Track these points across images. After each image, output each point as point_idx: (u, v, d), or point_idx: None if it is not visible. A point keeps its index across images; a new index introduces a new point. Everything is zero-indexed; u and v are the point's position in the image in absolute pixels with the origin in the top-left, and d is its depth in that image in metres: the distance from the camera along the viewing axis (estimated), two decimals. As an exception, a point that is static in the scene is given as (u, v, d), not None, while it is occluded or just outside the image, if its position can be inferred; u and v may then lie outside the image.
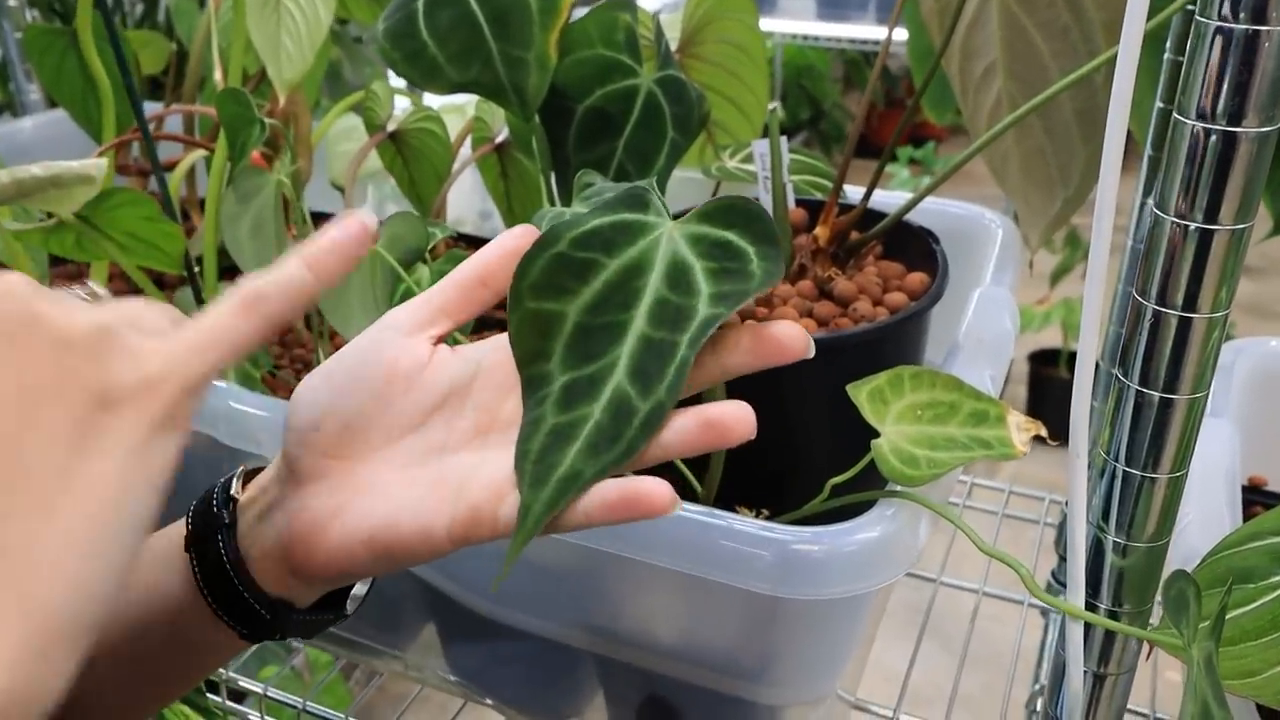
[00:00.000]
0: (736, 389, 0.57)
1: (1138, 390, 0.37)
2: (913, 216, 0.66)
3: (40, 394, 0.27)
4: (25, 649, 0.25)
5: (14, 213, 0.64)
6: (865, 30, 2.70)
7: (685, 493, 0.62)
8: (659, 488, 0.36)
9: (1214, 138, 0.33)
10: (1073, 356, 2.31)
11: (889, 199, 0.74)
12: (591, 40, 0.61)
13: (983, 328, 0.61)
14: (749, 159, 0.79)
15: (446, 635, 0.65)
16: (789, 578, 0.46)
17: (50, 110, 1.07)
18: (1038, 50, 0.62)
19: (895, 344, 0.59)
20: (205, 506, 0.41)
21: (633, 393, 0.38)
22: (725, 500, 0.60)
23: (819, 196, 0.74)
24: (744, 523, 0.47)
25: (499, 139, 0.77)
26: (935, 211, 0.76)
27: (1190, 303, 0.35)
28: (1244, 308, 2.74)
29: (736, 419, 0.38)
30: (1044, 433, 0.48)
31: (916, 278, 0.63)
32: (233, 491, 0.42)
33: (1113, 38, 0.58)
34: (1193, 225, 0.34)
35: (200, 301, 0.73)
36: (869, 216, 0.66)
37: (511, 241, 0.41)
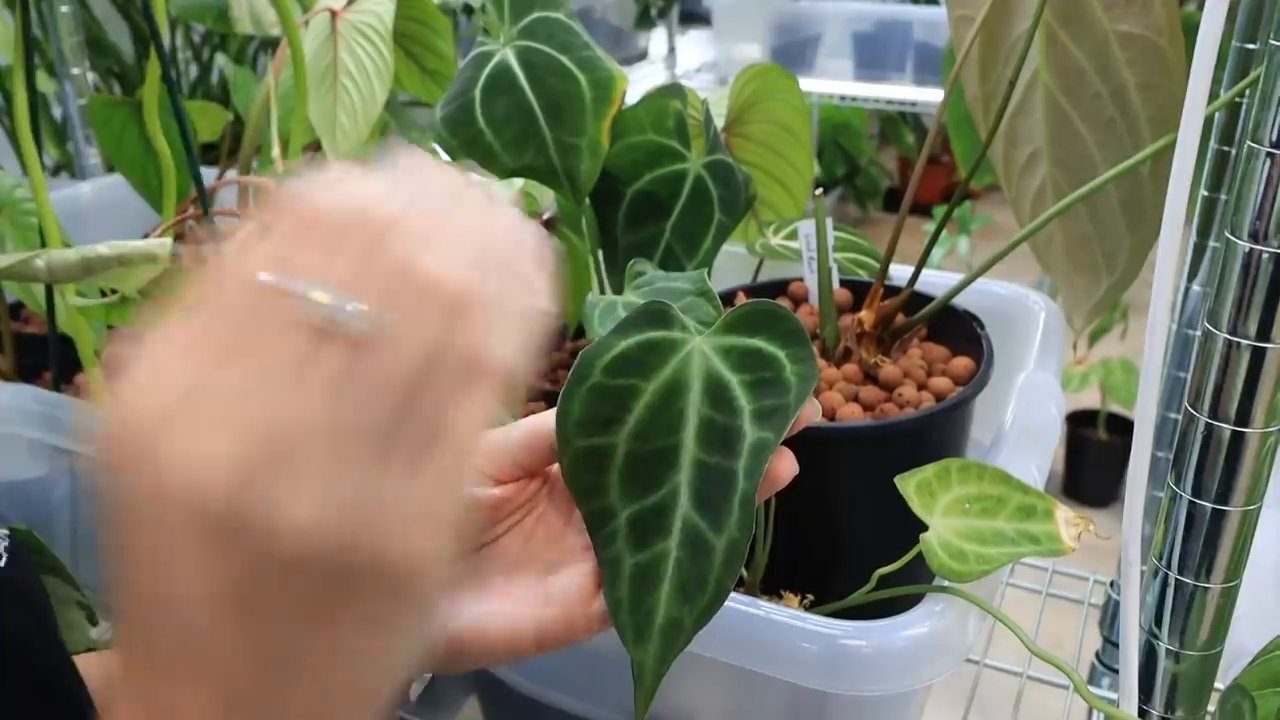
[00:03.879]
0: (796, 479, 0.58)
1: (1190, 501, 0.37)
2: (958, 297, 0.67)
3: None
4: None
5: (78, 288, 0.66)
6: (902, 91, 2.72)
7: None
8: None
9: (1265, 258, 0.33)
10: (1111, 418, 2.29)
11: (933, 279, 0.75)
12: (643, 126, 0.63)
13: (1029, 416, 0.61)
14: (792, 235, 0.80)
15: (489, 712, 0.65)
16: (837, 672, 0.46)
17: (108, 175, 1.10)
18: (1083, 140, 0.63)
19: (941, 431, 0.59)
20: None
21: (703, 525, 0.38)
22: (770, 585, 0.60)
23: (863, 276, 0.74)
24: (792, 615, 0.47)
25: (546, 215, 0.79)
26: (979, 291, 0.76)
27: (1243, 418, 0.35)
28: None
29: (780, 463, 0.39)
30: (1093, 529, 0.48)
31: (961, 362, 0.63)
32: None
33: (1157, 130, 0.59)
34: (1245, 343, 0.34)
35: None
36: (913, 298, 0.67)
37: None
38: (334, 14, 0.81)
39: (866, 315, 0.64)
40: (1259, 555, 0.61)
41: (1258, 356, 0.35)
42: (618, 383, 0.40)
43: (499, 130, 0.58)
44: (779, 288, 0.72)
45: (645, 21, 2.40)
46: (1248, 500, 0.37)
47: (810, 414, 0.39)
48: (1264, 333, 0.34)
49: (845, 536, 0.59)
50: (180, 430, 0.24)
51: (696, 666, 0.52)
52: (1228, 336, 0.35)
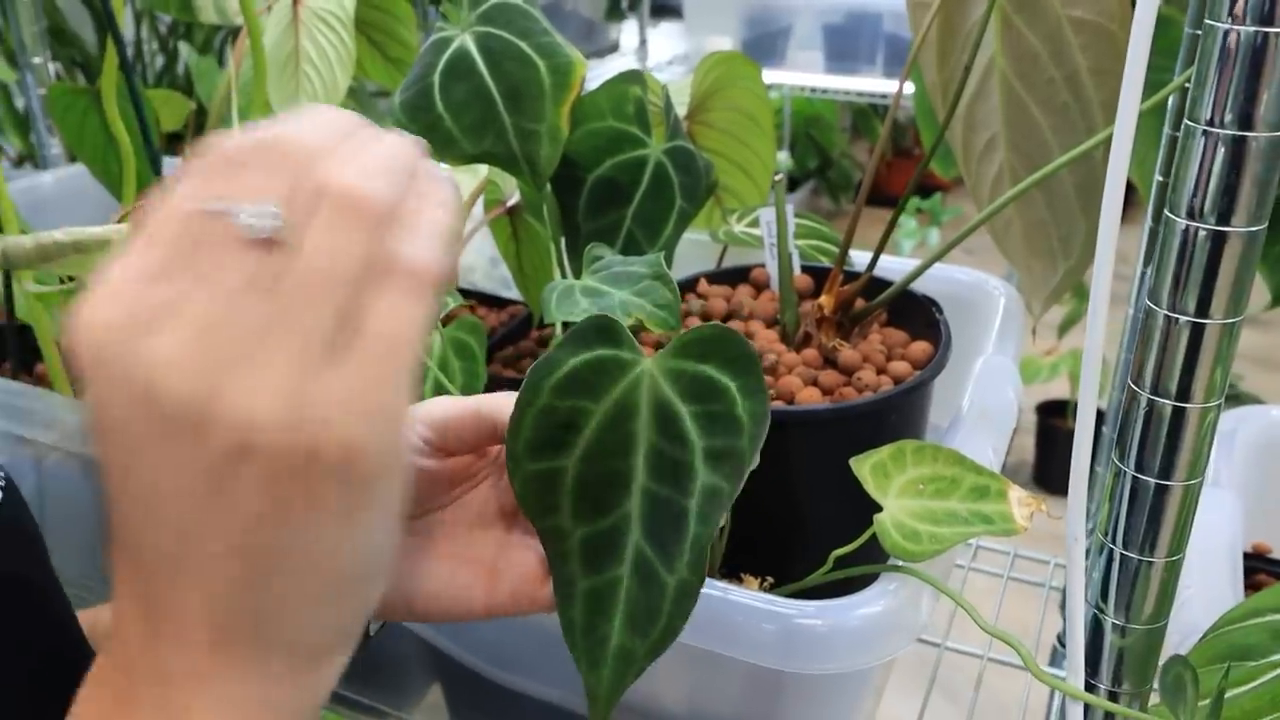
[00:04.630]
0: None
1: (1134, 476, 0.38)
2: (919, 282, 0.67)
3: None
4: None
5: (36, 275, 0.66)
6: (872, 83, 2.73)
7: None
8: None
9: (1202, 234, 0.34)
10: (1080, 408, 2.31)
11: (894, 265, 0.75)
12: (602, 112, 0.63)
13: (985, 399, 0.61)
14: (755, 223, 0.80)
15: (452, 698, 0.65)
16: (792, 652, 0.46)
17: (71, 165, 1.09)
18: (1038, 126, 0.63)
19: (899, 413, 0.60)
20: None
21: (655, 558, 0.39)
22: (729, 567, 0.61)
23: (825, 263, 0.75)
24: (748, 595, 0.48)
25: (510, 202, 0.79)
26: (940, 277, 0.77)
27: (1184, 393, 0.36)
28: (1251, 359, 2.74)
29: None
30: (1045, 509, 0.49)
31: (920, 347, 0.64)
32: None
33: (1110, 116, 0.59)
34: (1183, 319, 0.35)
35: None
36: (874, 283, 0.67)
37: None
38: (295, 1, 0.81)
39: (826, 300, 0.64)
40: (1213, 534, 0.62)
41: (1196, 332, 0.35)
42: (567, 404, 0.40)
43: (458, 116, 0.58)
44: (741, 274, 0.73)
45: (615, 14, 2.39)
46: (1189, 475, 0.37)
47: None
48: (1202, 308, 0.35)
49: (805, 519, 0.60)
50: (136, 337, 0.26)
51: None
52: (1167, 313, 0.35)
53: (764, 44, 2.95)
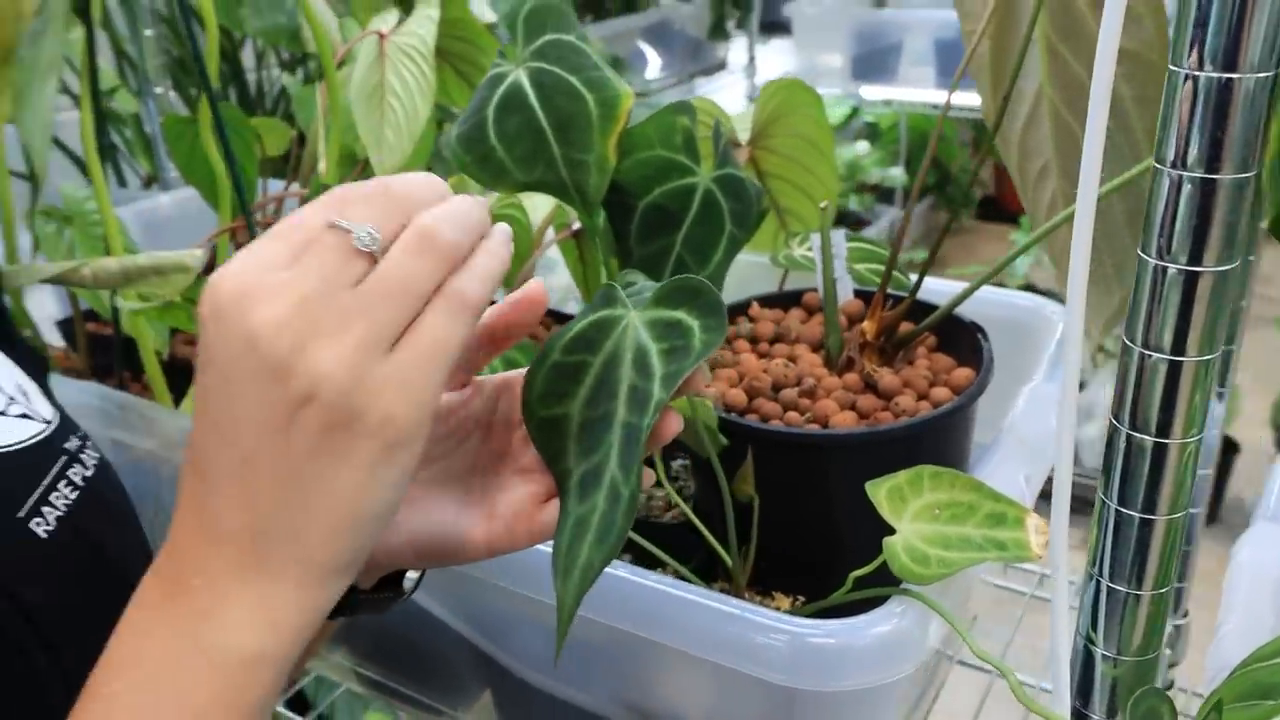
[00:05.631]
0: (777, 475, 0.60)
1: (1117, 510, 0.38)
2: (978, 307, 0.68)
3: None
4: None
5: (137, 294, 0.71)
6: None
7: (721, 574, 0.64)
8: None
9: (1172, 273, 0.35)
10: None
11: (950, 289, 0.75)
12: (651, 142, 0.65)
13: (1026, 426, 0.61)
14: (816, 247, 0.81)
15: (501, 701, 0.68)
16: (800, 669, 0.48)
17: (187, 188, 1.17)
18: (1086, 153, 0.63)
19: (933, 439, 0.60)
20: None
21: (620, 480, 0.42)
22: (763, 585, 0.62)
23: (891, 288, 0.76)
24: (763, 613, 0.49)
25: (575, 226, 0.82)
26: (999, 302, 0.77)
27: (1163, 429, 0.37)
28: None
29: (665, 420, 0.43)
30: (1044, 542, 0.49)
31: (963, 373, 0.64)
32: None
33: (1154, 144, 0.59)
34: (1158, 356, 0.36)
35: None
36: (924, 308, 0.68)
37: (514, 307, 0.46)
38: (382, 36, 0.86)
39: (868, 325, 0.65)
40: (1259, 569, 0.61)
41: (1173, 369, 0.36)
42: (572, 360, 0.44)
43: (510, 147, 0.62)
44: (794, 298, 0.74)
45: (720, 32, 2.42)
46: (1172, 509, 0.38)
47: (698, 380, 0.43)
48: (1178, 346, 0.35)
49: (839, 539, 0.61)
50: (251, 303, 0.35)
51: (678, 663, 0.54)
52: (1142, 350, 0.36)
53: (875, 60, 2.94)
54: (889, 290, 0.68)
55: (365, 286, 0.36)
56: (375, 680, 0.72)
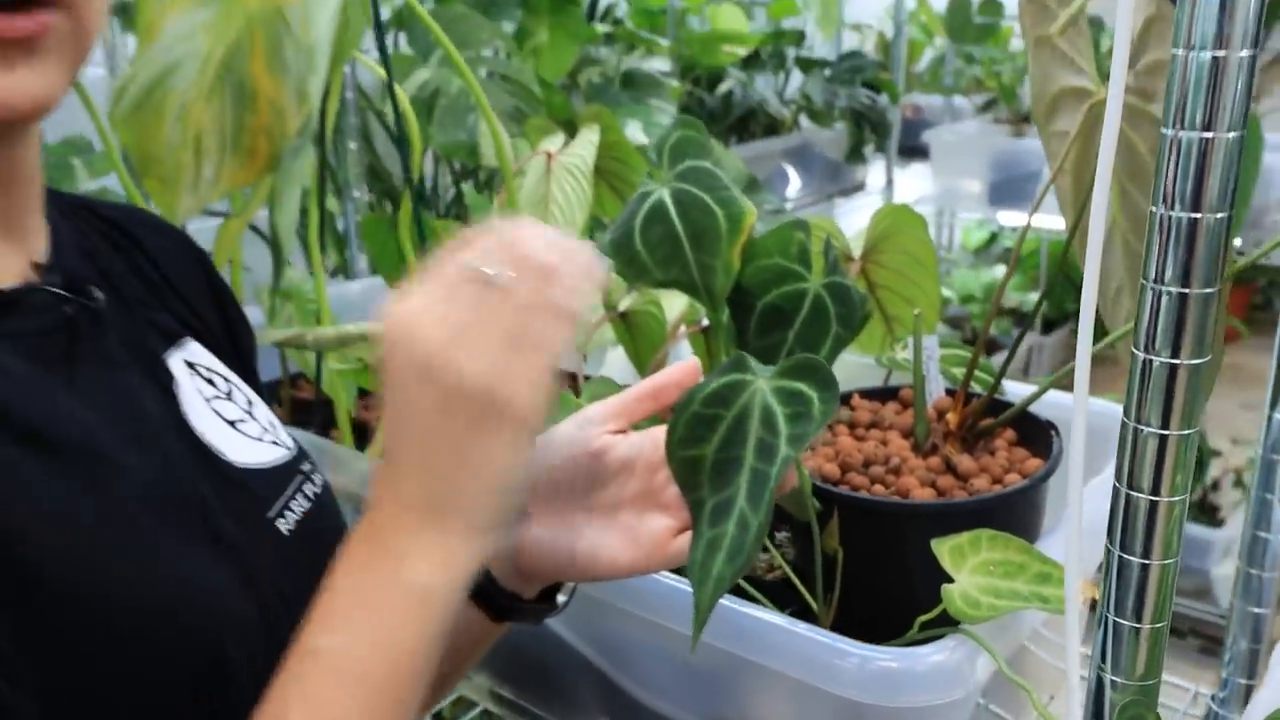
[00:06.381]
0: (860, 538, 0.70)
1: (1120, 555, 0.48)
2: (1059, 411, 0.77)
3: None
4: None
5: (338, 356, 0.87)
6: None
7: (806, 615, 0.74)
8: None
9: (1158, 365, 0.44)
10: None
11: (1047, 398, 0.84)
12: (770, 252, 0.78)
13: (1088, 511, 0.70)
14: (918, 351, 0.91)
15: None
16: (868, 687, 0.57)
17: (371, 277, 1.35)
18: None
19: (1002, 516, 0.69)
20: None
21: (749, 512, 0.53)
22: (853, 627, 0.72)
23: (975, 388, 0.85)
24: (838, 639, 0.59)
25: (704, 323, 0.94)
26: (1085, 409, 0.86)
27: (1155, 489, 0.46)
28: None
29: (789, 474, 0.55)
30: (1097, 595, 0.58)
31: (1034, 463, 0.73)
32: None
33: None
34: (1148, 429, 0.45)
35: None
36: (1001, 407, 0.77)
37: (676, 374, 0.59)
38: (550, 156, 1.01)
39: (951, 417, 0.75)
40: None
41: (1162, 443, 0.45)
42: (709, 412, 0.56)
43: (652, 251, 0.75)
44: (891, 393, 0.85)
45: (857, 156, 2.56)
46: (1165, 555, 0.47)
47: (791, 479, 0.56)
48: (1165, 421, 0.45)
49: (909, 595, 0.70)
50: (419, 327, 0.47)
51: (770, 682, 0.64)
52: (1135, 425, 0.46)
53: (1013, 186, 3.01)
54: (984, 392, 0.78)
55: (498, 310, 0.47)
56: (508, 700, 0.83)
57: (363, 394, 1.01)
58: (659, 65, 2.00)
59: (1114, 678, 0.49)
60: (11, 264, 0.50)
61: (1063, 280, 3.99)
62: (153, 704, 0.46)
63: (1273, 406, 0.75)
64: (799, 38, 2.56)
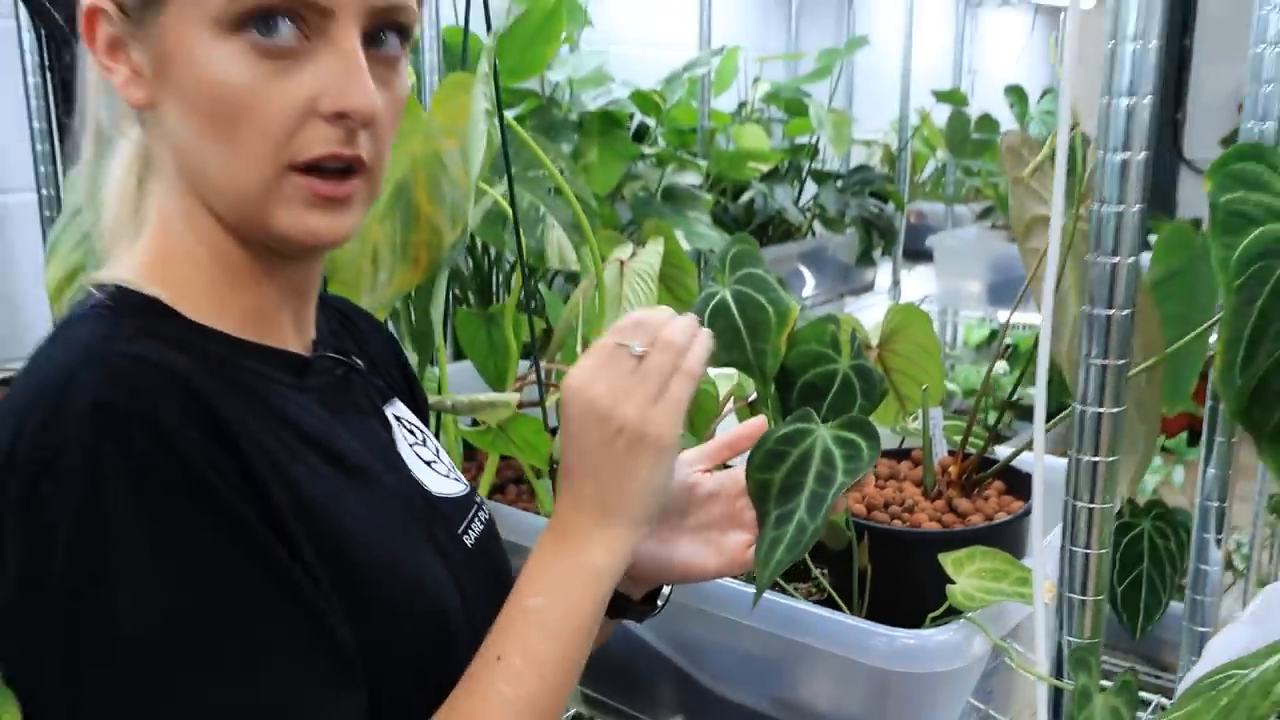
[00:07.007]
0: (884, 559, 0.90)
1: (1070, 549, 0.68)
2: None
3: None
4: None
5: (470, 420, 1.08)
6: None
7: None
8: None
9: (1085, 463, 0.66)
10: None
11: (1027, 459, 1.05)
12: (808, 339, 0.99)
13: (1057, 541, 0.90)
14: (926, 422, 1.12)
15: (689, 713, 0.97)
16: (894, 657, 0.77)
17: (456, 362, 1.57)
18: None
19: (994, 543, 0.90)
20: None
21: (806, 520, 0.74)
22: (878, 623, 0.92)
23: (969, 450, 1.06)
24: (871, 625, 0.79)
25: (751, 397, 1.16)
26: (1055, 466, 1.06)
27: (1092, 497, 0.67)
28: None
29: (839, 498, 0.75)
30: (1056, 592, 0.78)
31: (1018, 504, 0.94)
32: None
33: (1145, 352, 0.90)
34: (1087, 458, 0.66)
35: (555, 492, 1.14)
36: (990, 465, 0.98)
37: (749, 429, 0.80)
38: (622, 263, 1.24)
39: (953, 470, 0.96)
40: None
41: (1094, 466, 0.66)
42: (779, 448, 0.77)
43: (718, 339, 0.96)
44: (905, 453, 1.06)
45: (866, 259, 2.80)
46: (1100, 547, 0.67)
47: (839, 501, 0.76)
48: (1095, 449, 0.66)
49: (922, 599, 0.90)
50: (588, 387, 0.67)
51: (816, 660, 0.84)
52: (1078, 456, 0.67)
53: (1012, 287, 3.23)
54: (975, 453, 0.99)
55: (642, 372, 0.67)
56: (596, 699, 1.02)
57: (470, 451, 1.22)
58: (690, 179, 2.24)
59: (1070, 638, 0.70)
60: (303, 340, 0.71)
61: (1060, 376, 4.21)
62: (409, 651, 0.65)
63: (1206, 464, 0.96)
64: (813, 152, 2.83)
